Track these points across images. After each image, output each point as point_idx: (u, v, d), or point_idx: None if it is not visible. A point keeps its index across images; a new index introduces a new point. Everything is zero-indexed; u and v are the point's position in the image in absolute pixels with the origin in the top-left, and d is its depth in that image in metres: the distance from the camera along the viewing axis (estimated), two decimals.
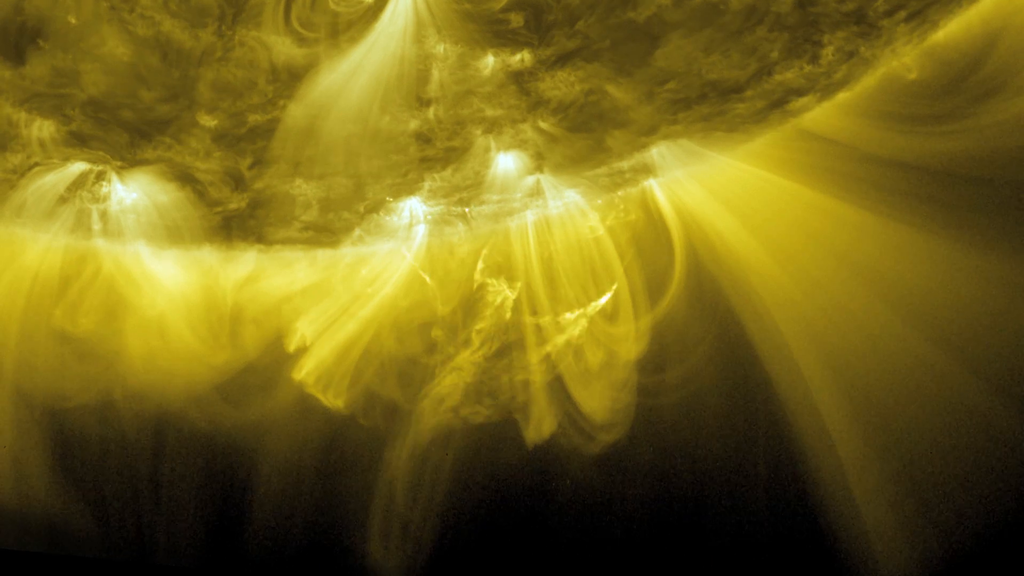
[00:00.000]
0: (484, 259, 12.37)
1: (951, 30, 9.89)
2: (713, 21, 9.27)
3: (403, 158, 10.78)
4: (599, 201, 11.90)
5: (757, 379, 11.35)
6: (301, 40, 9.29)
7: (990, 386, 10.21)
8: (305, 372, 12.58)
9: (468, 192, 11.52)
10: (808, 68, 9.86)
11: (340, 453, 12.77)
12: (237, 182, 11.02)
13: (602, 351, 12.03)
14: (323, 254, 12.55)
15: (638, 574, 11.86)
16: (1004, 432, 10.19)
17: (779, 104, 10.39)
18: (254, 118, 10.13)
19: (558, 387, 12.16)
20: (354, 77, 9.57)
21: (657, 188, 11.65)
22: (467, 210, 11.88)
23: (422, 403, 12.49)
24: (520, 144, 10.75)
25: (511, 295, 12.30)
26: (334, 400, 12.61)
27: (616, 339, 12.00)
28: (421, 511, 12.40)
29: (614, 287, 11.99)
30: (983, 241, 10.12)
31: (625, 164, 11.18)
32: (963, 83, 9.99)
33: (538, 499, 12.21)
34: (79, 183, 11.06)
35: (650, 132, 10.60)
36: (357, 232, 12.04)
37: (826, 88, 10.30)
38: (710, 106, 10.28)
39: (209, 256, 12.41)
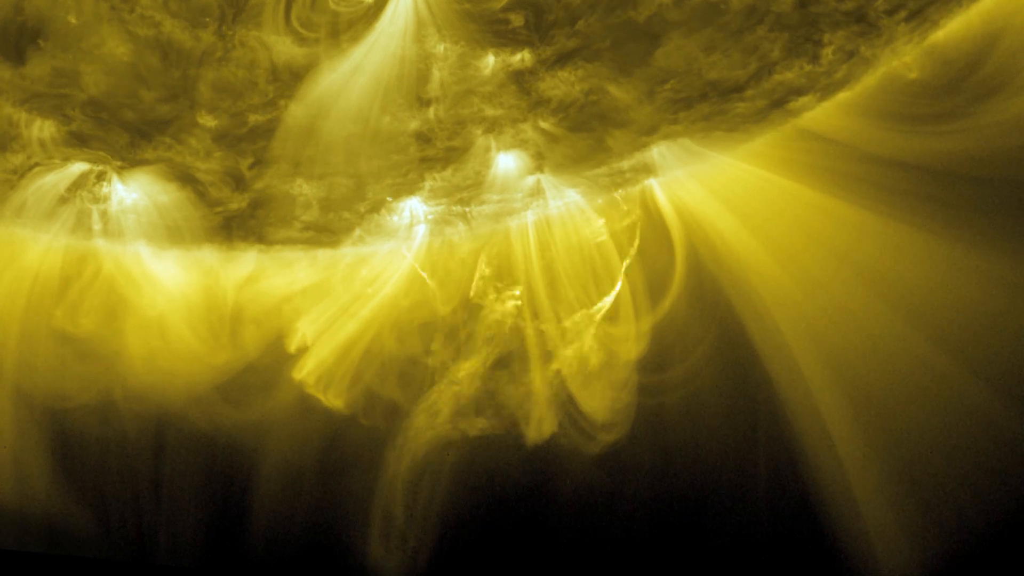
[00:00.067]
0: (485, 261, 12.37)
1: (951, 29, 9.89)
2: (713, 21, 9.26)
3: (403, 158, 10.78)
4: (600, 201, 11.90)
5: (757, 379, 11.35)
6: (301, 40, 9.29)
7: (990, 386, 10.21)
8: (305, 372, 12.58)
9: (468, 192, 11.52)
10: (808, 67, 9.86)
11: (340, 453, 12.77)
12: (237, 182, 11.02)
13: (602, 351, 12.03)
14: (323, 254, 12.55)
15: (638, 574, 11.86)
16: (1004, 432, 10.19)
17: (779, 104, 10.39)
18: (254, 118, 10.13)
19: (559, 387, 12.15)
20: (354, 77, 9.57)
21: (657, 188, 11.65)
22: (467, 210, 11.88)
23: (423, 406, 12.49)
24: (520, 144, 10.75)
25: (512, 296, 12.30)
26: (334, 400, 12.61)
27: (616, 339, 12.00)
28: (421, 511, 12.40)
29: (615, 291, 11.99)
30: (983, 241, 10.12)
31: (626, 164, 11.18)
32: (963, 82, 9.99)
33: (538, 499, 12.21)
34: (79, 183, 11.06)
35: (650, 132, 10.60)
36: (357, 232, 12.04)
37: (826, 88, 10.29)
38: (710, 106, 10.28)
39: (209, 256, 12.41)
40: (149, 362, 12.63)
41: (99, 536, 12.82)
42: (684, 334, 11.74)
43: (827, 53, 9.75)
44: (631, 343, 11.92)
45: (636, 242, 11.89)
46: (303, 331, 12.56)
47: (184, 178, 10.96)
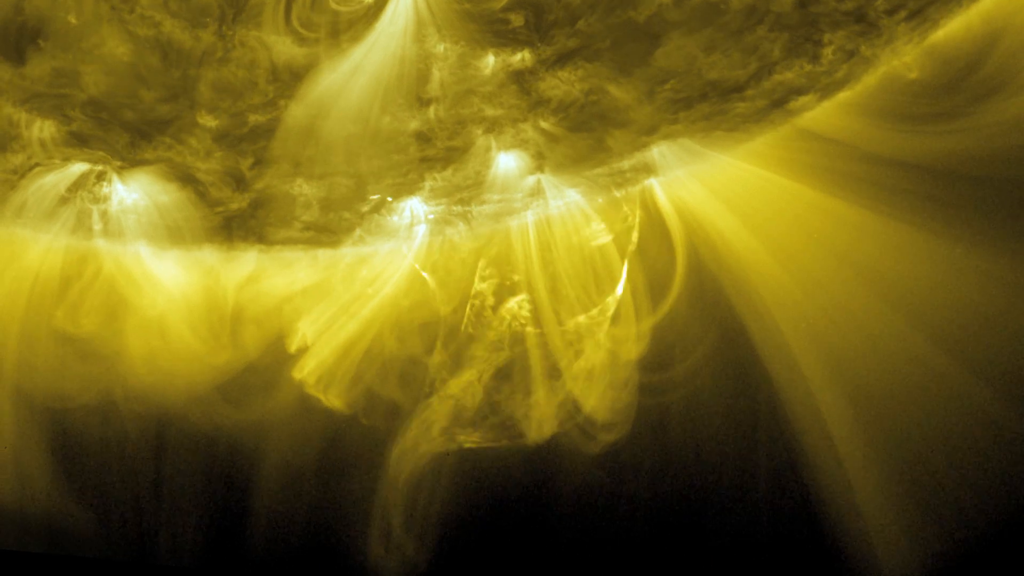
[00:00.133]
0: (485, 261, 12.37)
1: (952, 29, 9.88)
2: (713, 20, 9.26)
3: (403, 158, 10.78)
4: (600, 201, 11.90)
5: (758, 378, 11.35)
6: (301, 40, 9.29)
7: (991, 386, 10.21)
8: (306, 372, 12.58)
9: (469, 192, 11.52)
10: (808, 67, 9.86)
11: (341, 453, 12.77)
12: (238, 182, 11.02)
13: (603, 351, 12.03)
14: (324, 254, 12.56)
15: (638, 574, 11.86)
16: (1005, 432, 10.19)
17: (780, 103, 10.39)
18: (255, 118, 10.13)
19: (559, 387, 12.15)
20: (354, 77, 9.57)
21: (658, 187, 11.65)
22: (468, 210, 11.88)
23: (424, 407, 12.49)
24: (521, 144, 10.75)
25: (512, 296, 12.30)
26: (335, 400, 12.61)
27: (617, 338, 12.00)
28: (422, 511, 12.40)
29: (616, 291, 11.98)
30: (984, 240, 10.12)
31: (626, 164, 11.18)
32: (964, 82, 9.99)
33: (538, 498, 12.21)
34: (80, 183, 11.06)
35: (651, 131, 10.60)
36: (358, 232, 12.04)
37: (827, 87, 10.29)
38: (711, 105, 10.27)
39: (210, 256, 12.41)
40: (149, 362, 12.64)
41: (99, 536, 12.83)
42: (684, 334, 11.74)
43: (827, 53, 9.75)
44: (631, 343, 11.92)
45: (636, 242, 11.89)
46: (303, 331, 12.56)
47: (184, 178, 10.97)
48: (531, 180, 11.38)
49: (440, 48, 9.37)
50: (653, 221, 11.76)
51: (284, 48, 9.33)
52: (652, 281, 11.87)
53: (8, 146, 10.39)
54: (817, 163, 10.81)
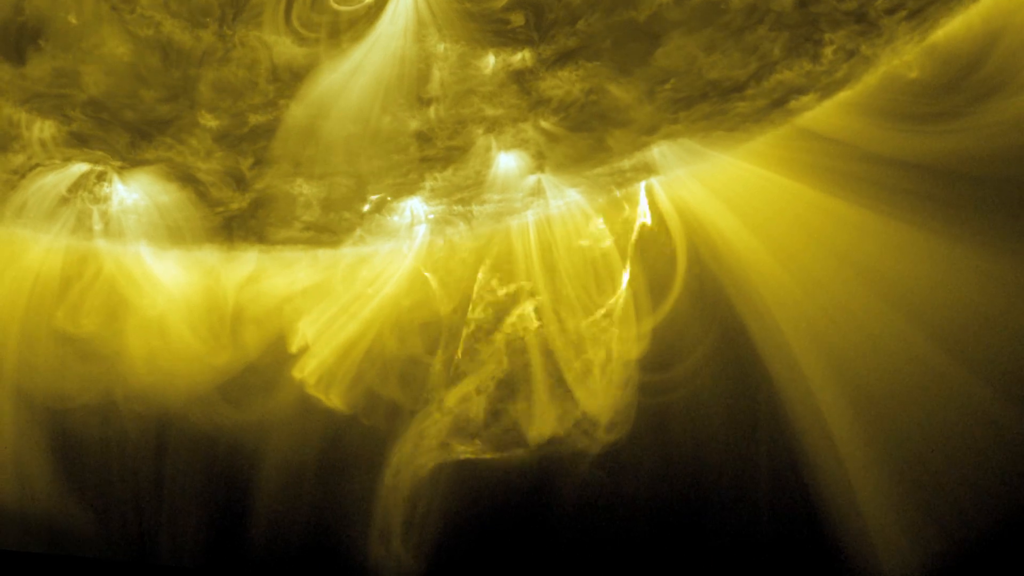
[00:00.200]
0: (485, 260, 12.37)
1: (952, 29, 9.89)
2: (714, 20, 9.26)
3: (404, 158, 10.78)
4: (600, 200, 11.90)
5: (758, 378, 11.34)
6: (302, 40, 9.29)
7: (991, 386, 10.21)
8: (306, 372, 12.58)
9: (469, 192, 11.52)
10: (809, 67, 9.86)
11: (342, 453, 12.77)
12: (238, 182, 11.02)
13: (603, 350, 12.02)
14: (324, 254, 12.55)
15: (639, 574, 11.86)
16: (1005, 432, 10.18)
17: (780, 103, 10.39)
18: (255, 118, 10.13)
19: (560, 387, 12.15)
20: (355, 77, 9.57)
21: (658, 187, 11.65)
22: (468, 209, 11.88)
23: (425, 408, 12.49)
24: (521, 143, 10.75)
25: (513, 296, 12.30)
26: (335, 400, 12.61)
27: (617, 338, 12.00)
28: (422, 511, 12.40)
29: (616, 290, 11.98)
30: (984, 240, 10.12)
31: (626, 163, 11.18)
32: (964, 81, 9.99)
33: (539, 498, 12.20)
34: (80, 184, 11.06)
35: (651, 131, 10.60)
36: (358, 232, 12.04)
37: (827, 87, 10.29)
38: (711, 105, 10.27)
39: (210, 256, 12.41)
40: (150, 362, 12.64)
41: (100, 536, 12.83)
42: (685, 333, 11.74)
43: (827, 52, 9.75)
44: (632, 342, 11.92)
45: (637, 241, 11.88)
46: (304, 331, 12.56)
47: (185, 178, 10.97)
48: (531, 180, 11.38)
49: (440, 48, 9.37)
50: (654, 220, 11.76)
51: (284, 48, 9.33)
52: (652, 281, 11.87)
53: (9, 146, 10.39)
54: (817, 163, 10.81)
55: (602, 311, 12.05)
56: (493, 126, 10.47)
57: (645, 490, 11.92)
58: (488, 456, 12.32)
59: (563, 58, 9.57)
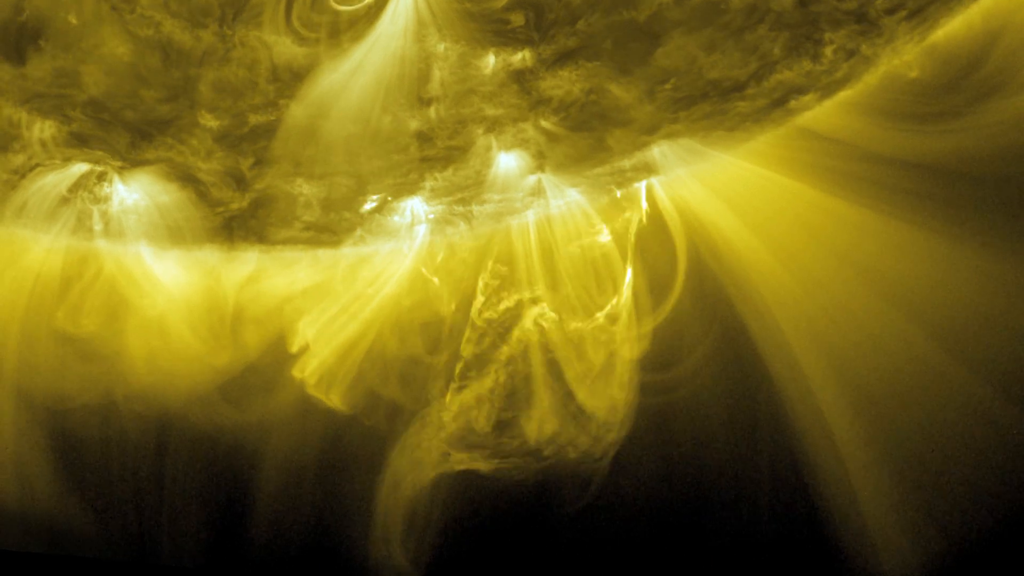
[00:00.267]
0: (486, 260, 12.37)
1: (952, 28, 9.88)
2: (714, 20, 9.26)
3: (404, 158, 10.78)
4: (601, 200, 11.90)
5: (759, 377, 11.34)
6: (302, 40, 9.29)
7: (992, 385, 10.21)
8: (307, 372, 12.58)
9: (469, 191, 11.52)
10: (809, 66, 9.85)
11: (342, 453, 12.77)
12: (238, 182, 11.02)
13: (604, 350, 12.02)
14: (325, 254, 12.55)
15: (639, 574, 11.85)
16: (1006, 431, 10.18)
17: (780, 103, 10.39)
18: (255, 118, 10.13)
19: (561, 386, 12.15)
20: (355, 77, 9.57)
21: (659, 187, 11.65)
22: (468, 209, 11.88)
23: (426, 412, 12.49)
24: (521, 143, 10.75)
25: (513, 296, 12.30)
26: (336, 400, 12.61)
27: (618, 338, 11.99)
28: (423, 511, 12.40)
29: (617, 290, 11.98)
30: (985, 239, 10.12)
31: (627, 163, 11.17)
32: (964, 81, 9.99)
33: (540, 498, 12.20)
34: (80, 184, 11.06)
35: (651, 131, 10.60)
36: (359, 232, 12.04)
37: (827, 86, 10.29)
38: (711, 105, 10.27)
39: (210, 256, 12.41)
40: (150, 362, 12.64)
41: (100, 536, 12.83)
42: (685, 333, 11.74)
43: (828, 52, 9.74)
44: (633, 342, 11.92)
45: (637, 241, 11.88)
46: (304, 331, 12.56)
47: (185, 178, 10.97)
48: (532, 179, 11.37)
49: (441, 48, 9.37)
50: (654, 220, 11.76)
51: (285, 48, 9.34)
52: (653, 280, 11.86)
53: (9, 146, 10.39)
54: (818, 162, 10.81)
55: (602, 311, 12.05)
56: (493, 126, 10.47)
57: (645, 489, 11.92)
58: (489, 456, 12.32)
59: (563, 58, 9.57)
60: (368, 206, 11.61)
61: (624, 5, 9.05)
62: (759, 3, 9.10)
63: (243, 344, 12.60)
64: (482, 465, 12.32)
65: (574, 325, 12.12)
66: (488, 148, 10.79)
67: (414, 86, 9.76)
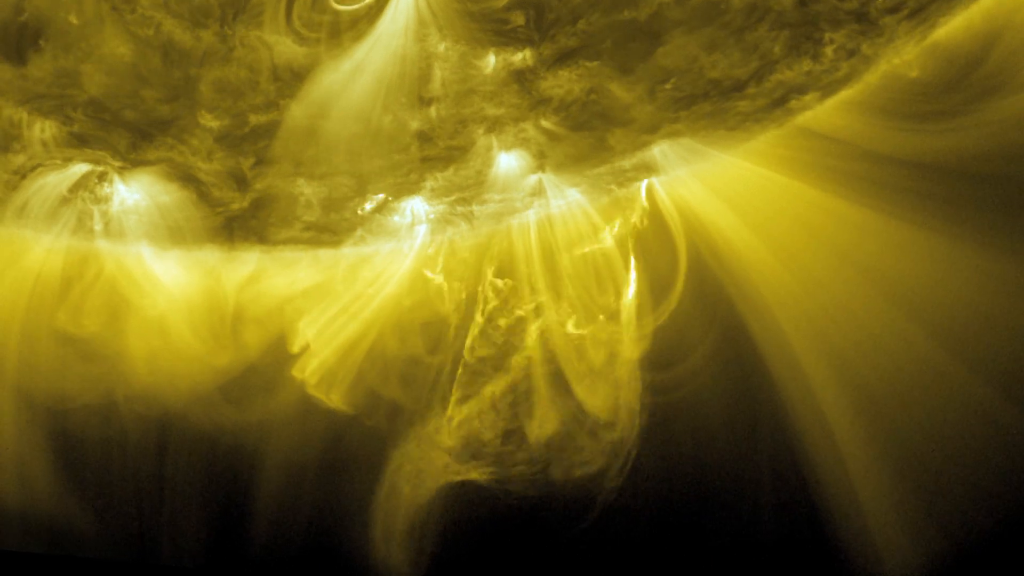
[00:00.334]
0: (486, 260, 12.37)
1: (952, 28, 9.89)
2: (714, 19, 9.27)
3: (405, 157, 10.78)
4: (601, 200, 11.90)
5: (759, 377, 11.34)
6: (302, 40, 9.30)
7: (992, 385, 10.21)
8: (307, 372, 12.58)
9: (470, 191, 11.52)
10: (810, 66, 9.86)
11: (342, 453, 12.77)
12: (239, 182, 11.02)
13: (605, 350, 12.02)
14: (325, 254, 12.55)
15: (640, 573, 11.85)
16: (1006, 431, 10.18)
17: (781, 102, 10.39)
18: (256, 118, 10.13)
19: (561, 386, 12.15)
20: (356, 76, 9.57)
21: (659, 186, 11.65)
22: (469, 209, 11.88)
23: (426, 414, 12.49)
24: (522, 143, 10.75)
25: (514, 296, 12.30)
26: (336, 400, 12.61)
27: (619, 337, 11.99)
28: (424, 511, 12.40)
29: (617, 290, 11.98)
30: (985, 238, 10.12)
31: (627, 162, 11.18)
32: (964, 80, 9.99)
33: (540, 498, 12.20)
34: (81, 184, 11.06)
35: (652, 130, 10.60)
36: (359, 232, 12.04)
37: (828, 86, 10.29)
38: (712, 104, 10.28)
39: (211, 256, 12.41)
40: (151, 363, 12.64)
41: (101, 536, 12.82)
42: (686, 332, 11.74)
43: (828, 52, 9.75)
44: (633, 342, 11.92)
45: (638, 241, 11.89)
46: (305, 331, 12.56)
47: (186, 178, 10.97)
48: (532, 179, 11.38)
49: (441, 47, 9.37)
50: (655, 220, 11.77)
51: (285, 48, 9.34)
52: (654, 280, 11.87)
53: (10, 147, 10.39)
54: (818, 162, 10.81)
55: (603, 311, 12.05)
56: (494, 125, 10.47)
57: (646, 488, 11.92)
58: (490, 456, 12.32)
59: (564, 57, 9.57)
60: (369, 206, 11.62)
61: (625, 5, 9.06)
62: (759, 2, 9.11)
63: (244, 344, 12.60)
64: (483, 472, 12.32)
65: (574, 324, 12.12)
66: (489, 148, 10.79)
67: (415, 86, 9.76)
